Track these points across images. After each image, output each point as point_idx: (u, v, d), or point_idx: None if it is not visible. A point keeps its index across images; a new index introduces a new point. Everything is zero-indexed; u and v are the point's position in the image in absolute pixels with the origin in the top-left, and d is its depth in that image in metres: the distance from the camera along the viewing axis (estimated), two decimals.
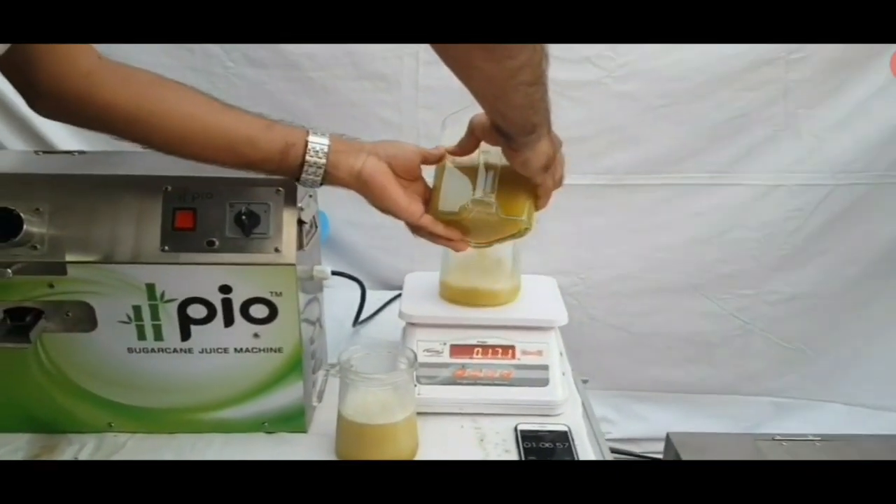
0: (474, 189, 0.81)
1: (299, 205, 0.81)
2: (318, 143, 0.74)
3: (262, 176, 0.79)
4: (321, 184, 0.76)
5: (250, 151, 0.72)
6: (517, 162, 0.76)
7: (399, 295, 1.06)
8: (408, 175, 0.81)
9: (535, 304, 1.00)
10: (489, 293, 0.98)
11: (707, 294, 1.51)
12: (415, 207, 0.80)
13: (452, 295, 0.99)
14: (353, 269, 1.37)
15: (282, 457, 0.83)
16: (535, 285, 1.05)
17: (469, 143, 0.81)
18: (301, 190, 0.82)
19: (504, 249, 0.97)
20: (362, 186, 0.77)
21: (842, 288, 1.49)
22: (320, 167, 0.74)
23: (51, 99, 0.66)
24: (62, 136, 1.29)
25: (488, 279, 0.98)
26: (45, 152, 0.91)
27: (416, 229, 0.82)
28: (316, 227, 0.92)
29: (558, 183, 0.82)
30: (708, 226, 1.45)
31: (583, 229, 1.46)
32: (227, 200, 0.79)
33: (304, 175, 0.75)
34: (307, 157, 0.74)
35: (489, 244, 0.87)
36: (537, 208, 0.84)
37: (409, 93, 1.33)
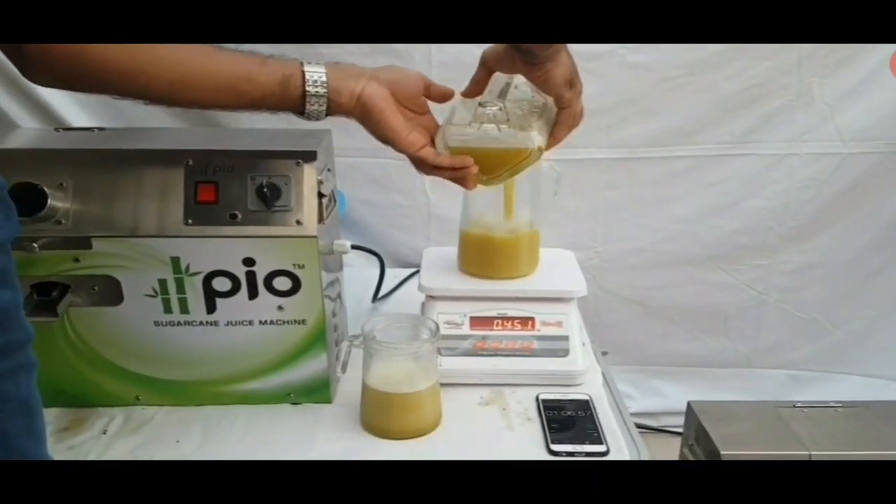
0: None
1: (318, 178, 0.81)
2: (316, 72, 0.72)
3: (279, 148, 0.80)
4: (326, 114, 0.74)
5: (250, 88, 0.70)
6: (539, 77, 0.74)
7: (416, 272, 1.07)
8: (411, 104, 0.78)
9: (554, 275, 1.01)
10: (508, 241, 0.98)
11: (722, 265, 1.51)
12: (415, 137, 0.77)
13: (470, 261, 1.00)
14: (370, 247, 1.38)
15: (308, 427, 0.85)
16: (553, 258, 1.05)
17: (481, 77, 0.79)
18: (320, 163, 0.82)
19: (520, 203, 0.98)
20: (362, 112, 0.74)
21: (856, 257, 1.49)
22: (322, 96, 0.72)
23: (42, 63, 0.63)
24: (79, 116, 1.29)
25: (508, 224, 0.98)
26: (64, 129, 0.91)
27: (420, 163, 0.79)
28: (335, 201, 0.92)
29: (580, 115, 0.79)
30: (722, 196, 1.45)
31: (597, 203, 1.46)
32: (248, 173, 0.80)
33: (307, 107, 0.72)
34: (307, 88, 0.71)
35: (499, 178, 0.82)
36: (556, 137, 0.80)
37: (423, 68, 1.32)
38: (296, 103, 0.72)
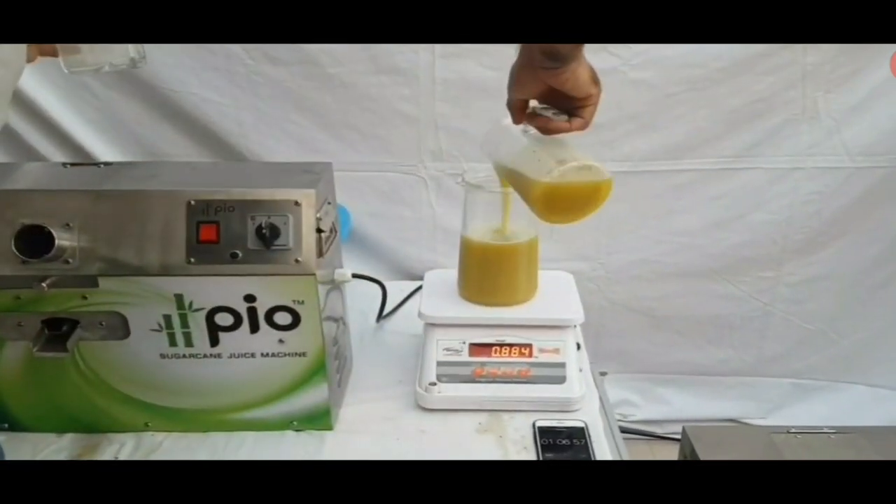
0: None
1: (317, 215, 0.83)
2: None
3: (279, 187, 0.82)
4: None
5: None
6: (566, 80, 0.75)
7: (421, 287, 1.09)
8: None
9: (553, 302, 1.02)
10: (506, 249, 1.00)
11: (727, 277, 1.51)
12: None
13: (469, 284, 1.02)
14: (376, 260, 1.40)
15: (309, 453, 0.88)
16: (552, 281, 1.06)
17: (516, 103, 0.82)
18: (318, 200, 0.84)
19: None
20: None
21: (861, 270, 1.49)
22: None
23: None
24: (94, 142, 1.33)
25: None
26: (72, 164, 0.94)
27: None
28: (335, 231, 0.94)
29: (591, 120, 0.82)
30: (727, 209, 1.46)
31: (602, 216, 1.44)
32: (248, 213, 0.82)
33: None
34: None
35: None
36: (579, 123, 0.81)
37: (427, 86, 1.34)
38: None
